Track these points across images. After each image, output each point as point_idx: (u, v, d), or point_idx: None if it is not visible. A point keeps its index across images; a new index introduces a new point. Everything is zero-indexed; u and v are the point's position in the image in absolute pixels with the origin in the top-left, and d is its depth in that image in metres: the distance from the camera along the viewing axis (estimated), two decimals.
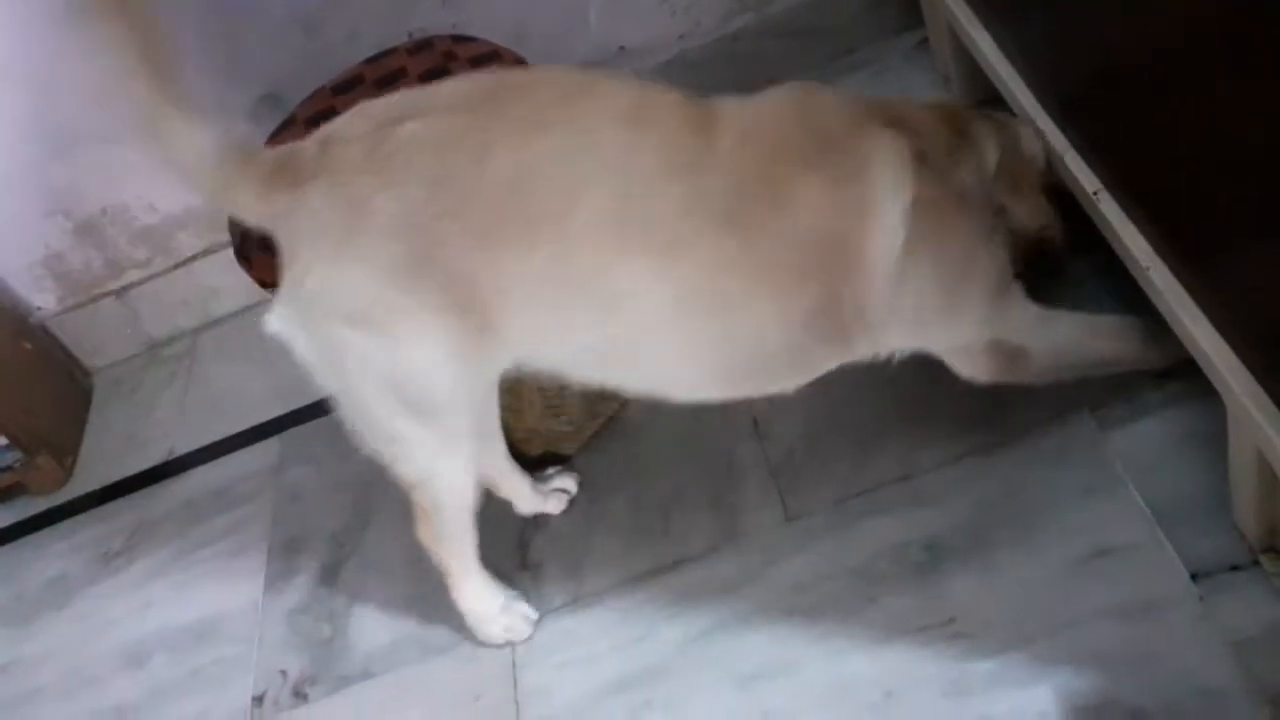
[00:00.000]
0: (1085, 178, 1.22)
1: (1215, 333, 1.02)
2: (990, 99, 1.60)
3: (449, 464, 1.19)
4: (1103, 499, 1.18)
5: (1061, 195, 1.26)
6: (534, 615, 1.33)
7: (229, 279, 1.92)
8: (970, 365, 1.18)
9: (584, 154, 1.03)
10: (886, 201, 1.06)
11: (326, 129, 1.09)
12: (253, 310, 1.99)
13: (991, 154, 1.20)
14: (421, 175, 1.03)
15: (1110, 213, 1.17)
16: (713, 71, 1.86)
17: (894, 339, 1.14)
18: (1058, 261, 1.30)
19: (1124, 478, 1.19)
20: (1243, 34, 0.84)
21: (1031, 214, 1.24)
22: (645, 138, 1.03)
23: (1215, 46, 0.89)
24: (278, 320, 1.12)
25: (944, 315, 1.14)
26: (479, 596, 1.33)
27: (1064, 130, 1.26)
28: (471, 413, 1.16)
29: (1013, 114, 1.34)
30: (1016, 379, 1.18)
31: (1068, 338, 1.21)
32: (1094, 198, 1.20)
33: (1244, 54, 0.84)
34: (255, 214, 1.10)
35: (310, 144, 1.08)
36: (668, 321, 1.07)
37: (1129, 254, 1.14)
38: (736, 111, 1.09)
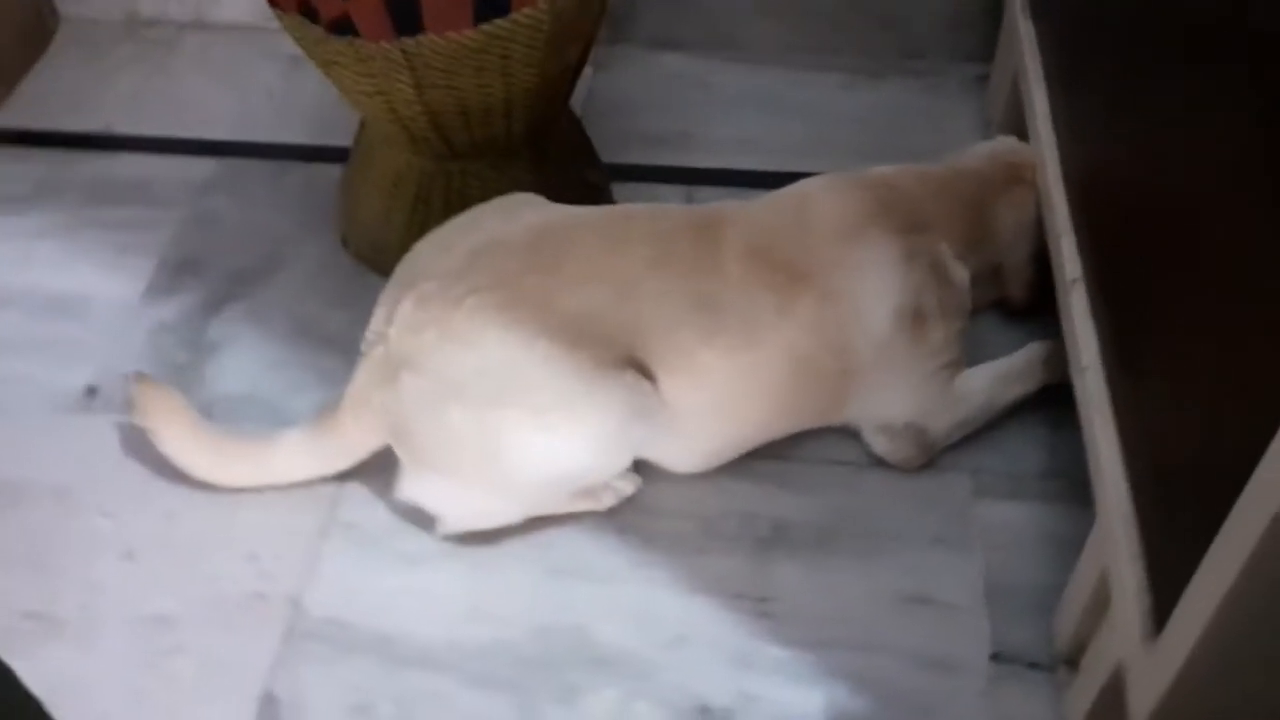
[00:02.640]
0: (1070, 264, 1.23)
1: (1119, 453, 1.05)
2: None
3: None
4: (947, 554, 1.21)
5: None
6: (632, 478, 1.26)
7: None
8: (889, 444, 1.28)
9: (628, 299, 1.18)
10: (870, 311, 1.23)
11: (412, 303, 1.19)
12: (246, 32, 1.92)
13: (1005, 238, 1.38)
14: (494, 336, 1.15)
15: (1077, 305, 1.19)
16: (781, 15, 1.83)
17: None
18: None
19: (975, 544, 1.22)
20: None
21: (1025, 289, 1.41)
22: (671, 278, 1.20)
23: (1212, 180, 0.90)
24: None
25: (892, 390, 1.26)
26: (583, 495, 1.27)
27: (1070, 211, 1.28)
28: None
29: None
30: (921, 463, 1.29)
31: (975, 408, 1.30)
32: (1070, 286, 1.21)
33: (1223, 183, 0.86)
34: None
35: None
36: (694, 429, 1.23)
37: (1076, 349, 1.16)
38: (741, 223, 1.25)
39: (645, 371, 1.18)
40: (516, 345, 1.14)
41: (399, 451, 1.21)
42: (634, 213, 1.30)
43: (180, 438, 1.25)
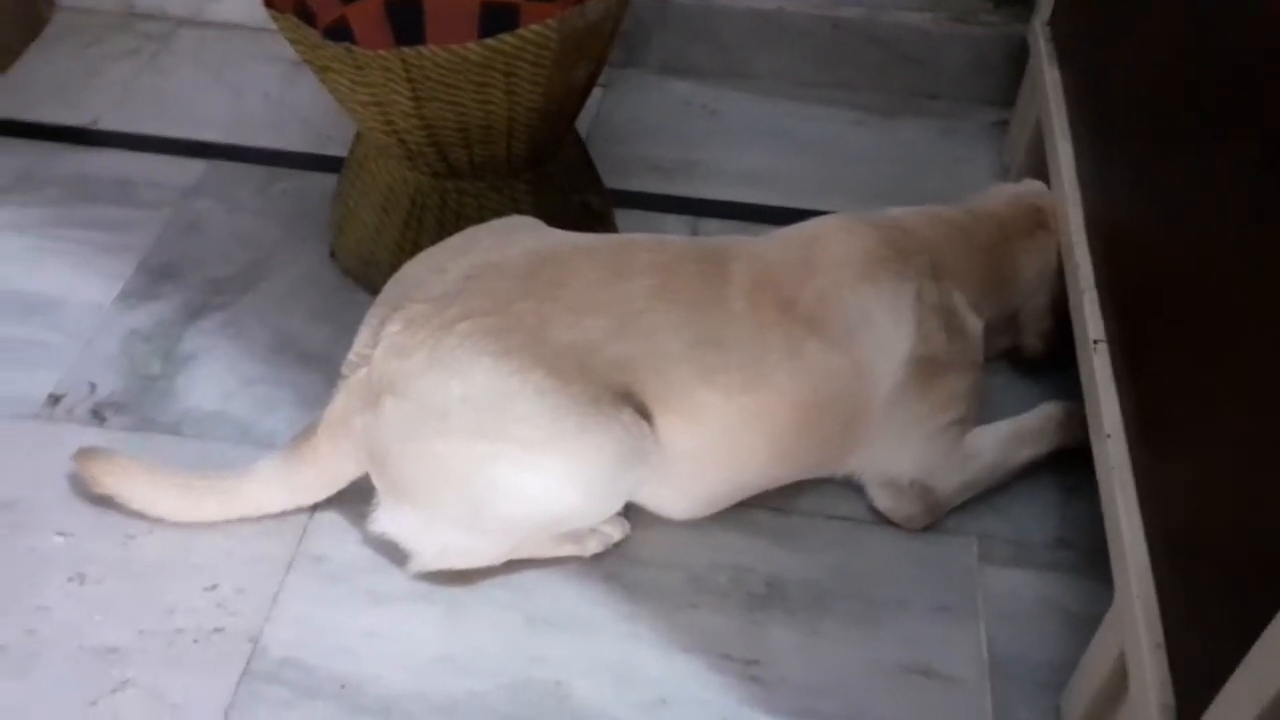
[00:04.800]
0: (1093, 324, 1.17)
1: (1141, 528, 0.98)
2: None
3: None
4: (950, 623, 1.14)
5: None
6: (621, 524, 1.20)
7: None
8: (892, 501, 1.22)
9: (628, 332, 1.12)
10: (879, 360, 1.17)
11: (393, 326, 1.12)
12: (246, 32, 1.85)
13: (1024, 286, 1.33)
14: (485, 364, 1.08)
15: (1100, 367, 1.13)
16: (796, 46, 1.78)
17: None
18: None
19: (980, 614, 1.15)
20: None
21: (1041, 339, 1.36)
22: (673, 311, 1.13)
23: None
24: None
25: (899, 444, 1.20)
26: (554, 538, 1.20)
27: (1094, 268, 1.22)
28: None
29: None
30: (925, 523, 1.23)
31: (985, 469, 1.24)
32: (1093, 346, 1.15)
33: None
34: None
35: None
36: (689, 473, 1.16)
37: (1098, 414, 1.10)
38: (748, 259, 1.20)
39: (642, 410, 1.11)
40: (508, 375, 1.07)
41: (377, 481, 1.14)
42: (637, 242, 1.23)
43: (144, 492, 1.17)
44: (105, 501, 1.19)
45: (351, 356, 1.16)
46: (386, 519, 1.14)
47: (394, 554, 1.16)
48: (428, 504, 1.11)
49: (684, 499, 1.20)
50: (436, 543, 1.14)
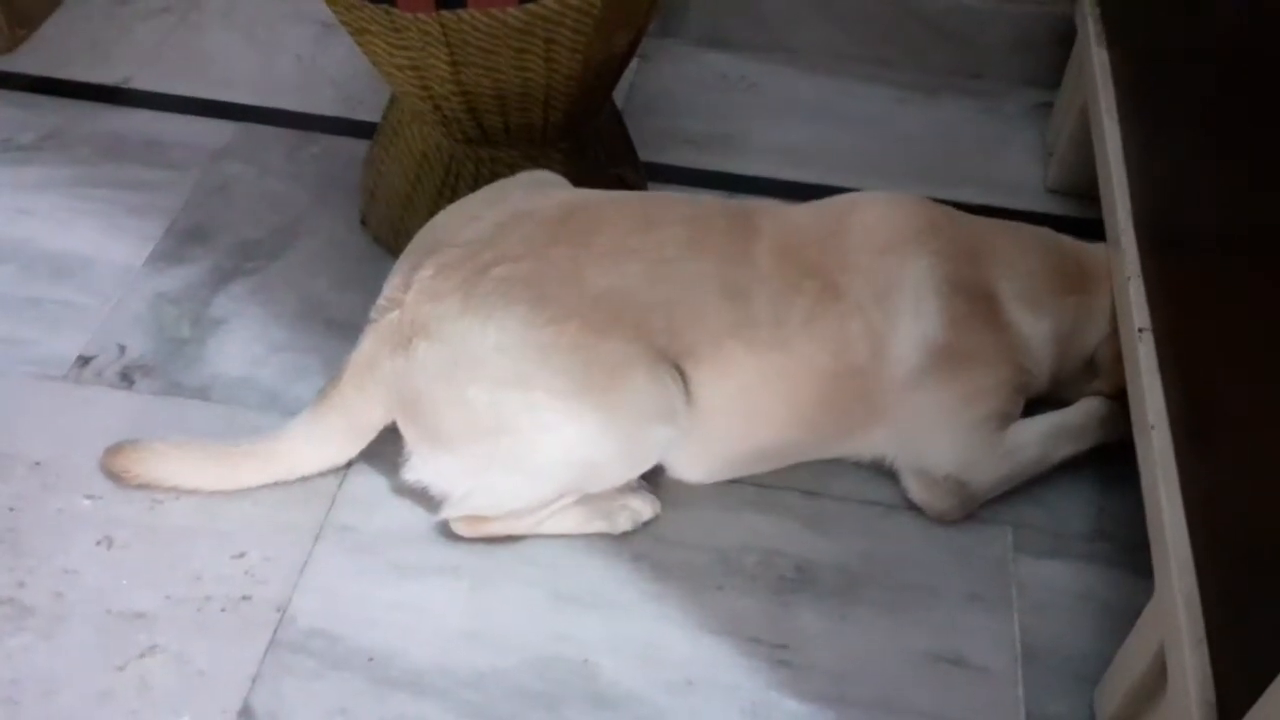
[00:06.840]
0: (1138, 312, 1.15)
1: (1184, 521, 0.96)
2: (1079, 193, 1.54)
3: None
4: (983, 612, 1.13)
5: None
6: (651, 502, 1.18)
7: None
8: (925, 493, 1.19)
9: (660, 279, 1.11)
10: (897, 336, 1.14)
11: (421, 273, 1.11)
12: None
13: (1098, 327, 1.24)
14: (520, 312, 1.07)
15: (1145, 356, 1.10)
16: (838, 21, 1.75)
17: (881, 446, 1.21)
18: None
19: (1014, 603, 1.13)
20: None
21: (1113, 386, 1.24)
22: (705, 260, 1.13)
23: None
24: None
25: (929, 435, 1.18)
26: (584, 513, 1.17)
27: (1140, 255, 1.19)
28: None
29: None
30: (959, 517, 1.20)
31: (1023, 465, 1.20)
32: (1137, 335, 1.13)
33: None
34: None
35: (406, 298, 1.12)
36: (704, 431, 1.14)
37: (1142, 405, 1.07)
38: (777, 218, 1.19)
39: (673, 362, 1.10)
40: (543, 325, 1.06)
41: (404, 428, 1.12)
42: (667, 196, 1.24)
43: (177, 470, 1.16)
44: (136, 435, 1.18)
45: (381, 300, 1.15)
46: (420, 465, 1.12)
47: (421, 527, 1.16)
48: (458, 448, 1.10)
49: (704, 457, 1.18)
50: (466, 488, 1.12)
